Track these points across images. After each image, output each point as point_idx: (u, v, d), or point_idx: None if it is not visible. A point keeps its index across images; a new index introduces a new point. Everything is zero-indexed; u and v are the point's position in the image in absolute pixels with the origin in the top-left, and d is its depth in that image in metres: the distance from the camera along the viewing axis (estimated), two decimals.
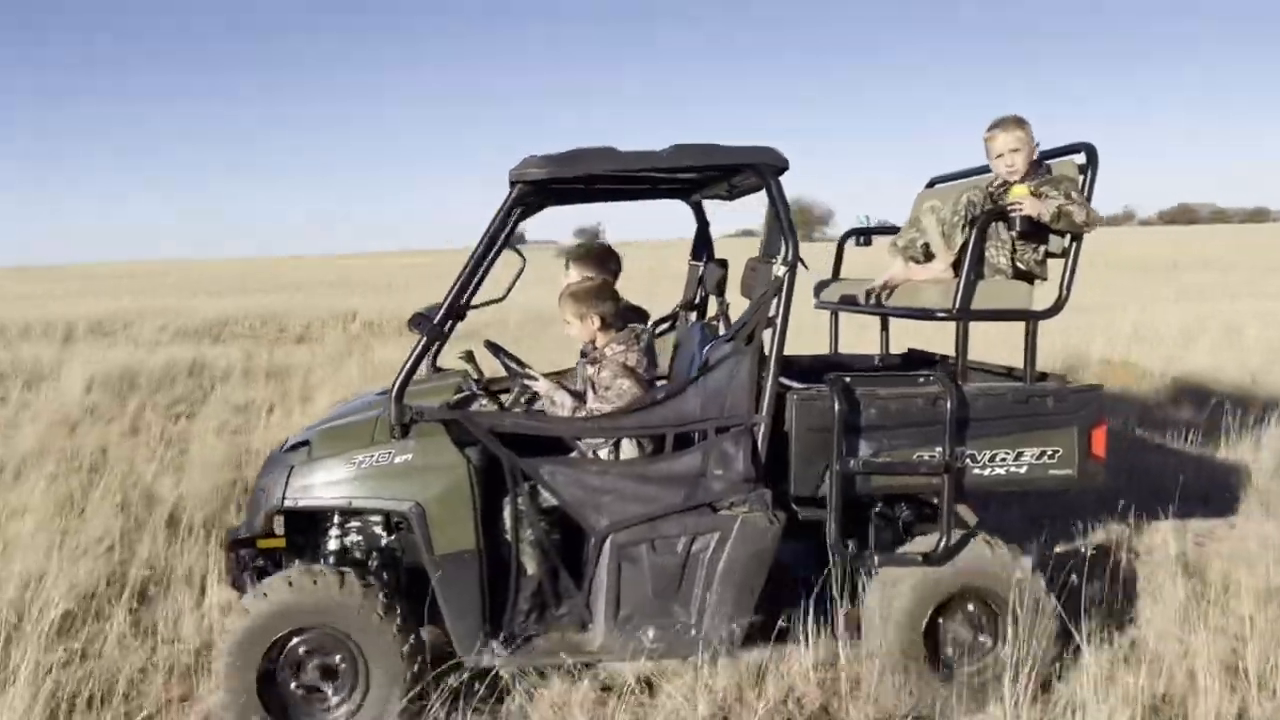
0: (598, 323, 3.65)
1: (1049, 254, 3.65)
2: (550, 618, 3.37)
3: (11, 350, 13.06)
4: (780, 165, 3.30)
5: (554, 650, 3.29)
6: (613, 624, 3.28)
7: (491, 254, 4.12)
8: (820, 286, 4.43)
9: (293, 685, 3.19)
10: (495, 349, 3.94)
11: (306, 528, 3.55)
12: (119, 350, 13.26)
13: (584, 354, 3.86)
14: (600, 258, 4.33)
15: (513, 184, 3.21)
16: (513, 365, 3.84)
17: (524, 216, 4.24)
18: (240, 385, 10.28)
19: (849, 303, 4.16)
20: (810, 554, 3.59)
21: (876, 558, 3.38)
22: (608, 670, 3.59)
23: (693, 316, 4.68)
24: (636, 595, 3.27)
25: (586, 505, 3.25)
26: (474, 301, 3.99)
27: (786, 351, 3.33)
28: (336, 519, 3.48)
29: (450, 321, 3.52)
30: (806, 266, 3.39)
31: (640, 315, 4.21)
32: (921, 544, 3.42)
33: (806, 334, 4.96)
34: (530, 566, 3.34)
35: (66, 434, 7.87)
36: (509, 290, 4.31)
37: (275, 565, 3.47)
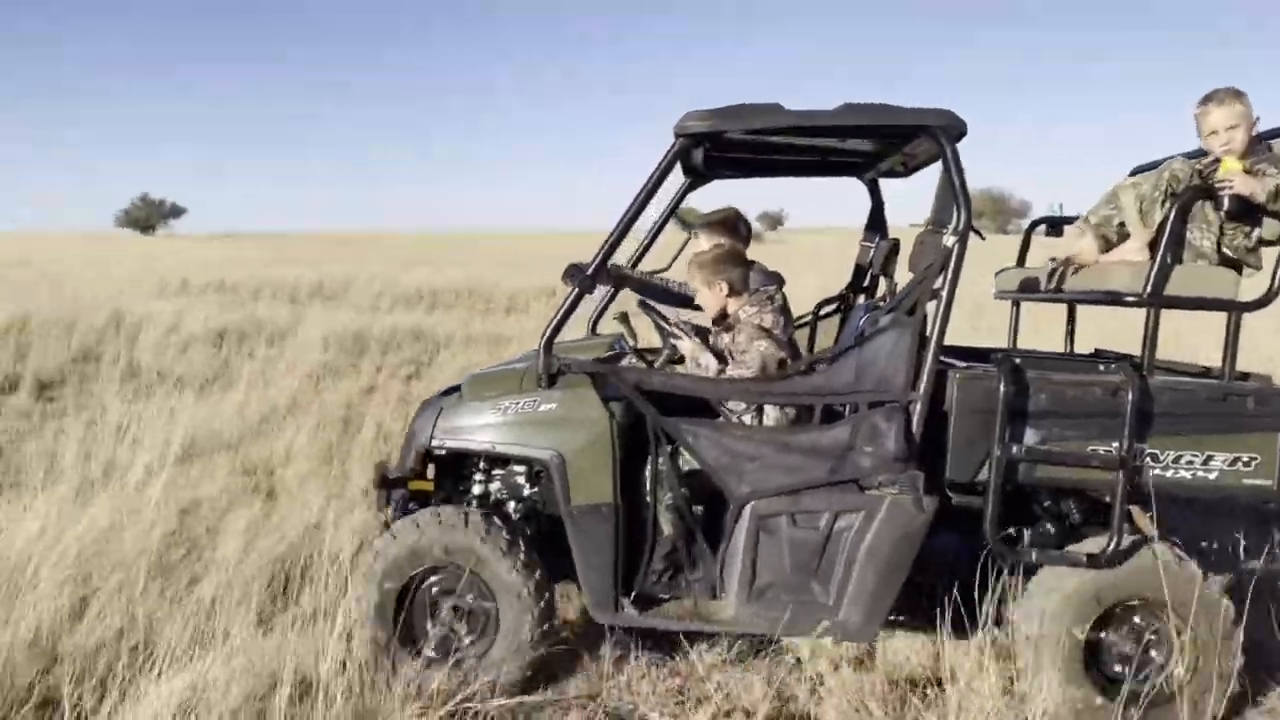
0: (726, 289, 3.65)
1: (1262, 240, 3.29)
2: (683, 582, 3.35)
3: (246, 310, 14.01)
4: (958, 129, 3.11)
5: (684, 616, 3.28)
6: (746, 595, 3.21)
7: (660, 217, 4.26)
8: (1001, 274, 4.21)
9: (427, 621, 3.30)
10: (648, 308, 3.95)
11: (456, 473, 3.64)
12: (342, 313, 14.05)
13: (715, 322, 3.84)
14: (729, 224, 4.25)
15: (675, 137, 3.16)
16: (663, 324, 3.83)
17: (693, 188, 4.33)
18: (462, 350, 10.68)
19: (1029, 290, 3.91)
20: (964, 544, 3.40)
21: (1035, 554, 3.18)
22: (892, 663, 3.48)
23: (862, 298, 4.56)
24: (773, 568, 3.20)
25: (728, 470, 3.18)
26: (641, 269, 4.11)
27: (961, 343, 3.10)
28: (481, 465, 3.57)
29: (603, 275, 3.53)
30: (982, 236, 3.21)
31: (775, 279, 4.12)
32: (1089, 545, 3.19)
33: (996, 334, 4.69)
34: (666, 527, 3.33)
35: (312, 389, 8.36)
36: (674, 260, 4.35)
37: (424, 506, 3.54)
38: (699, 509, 3.37)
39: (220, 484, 5.19)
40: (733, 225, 4.24)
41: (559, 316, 3.21)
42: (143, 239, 60.48)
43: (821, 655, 3.50)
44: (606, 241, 3.23)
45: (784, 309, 3.75)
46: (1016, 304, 4.35)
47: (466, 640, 3.30)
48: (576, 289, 3.23)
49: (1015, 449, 3.05)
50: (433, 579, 3.30)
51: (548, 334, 3.21)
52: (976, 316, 10.51)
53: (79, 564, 3.78)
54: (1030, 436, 3.08)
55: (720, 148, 3.89)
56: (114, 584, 3.70)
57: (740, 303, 3.66)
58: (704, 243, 4.15)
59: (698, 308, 4.32)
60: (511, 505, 3.61)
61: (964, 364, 3.24)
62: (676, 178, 4.05)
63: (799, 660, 3.52)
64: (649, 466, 3.29)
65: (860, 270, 4.61)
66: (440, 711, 3.08)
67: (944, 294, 3.09)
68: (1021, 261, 4.43)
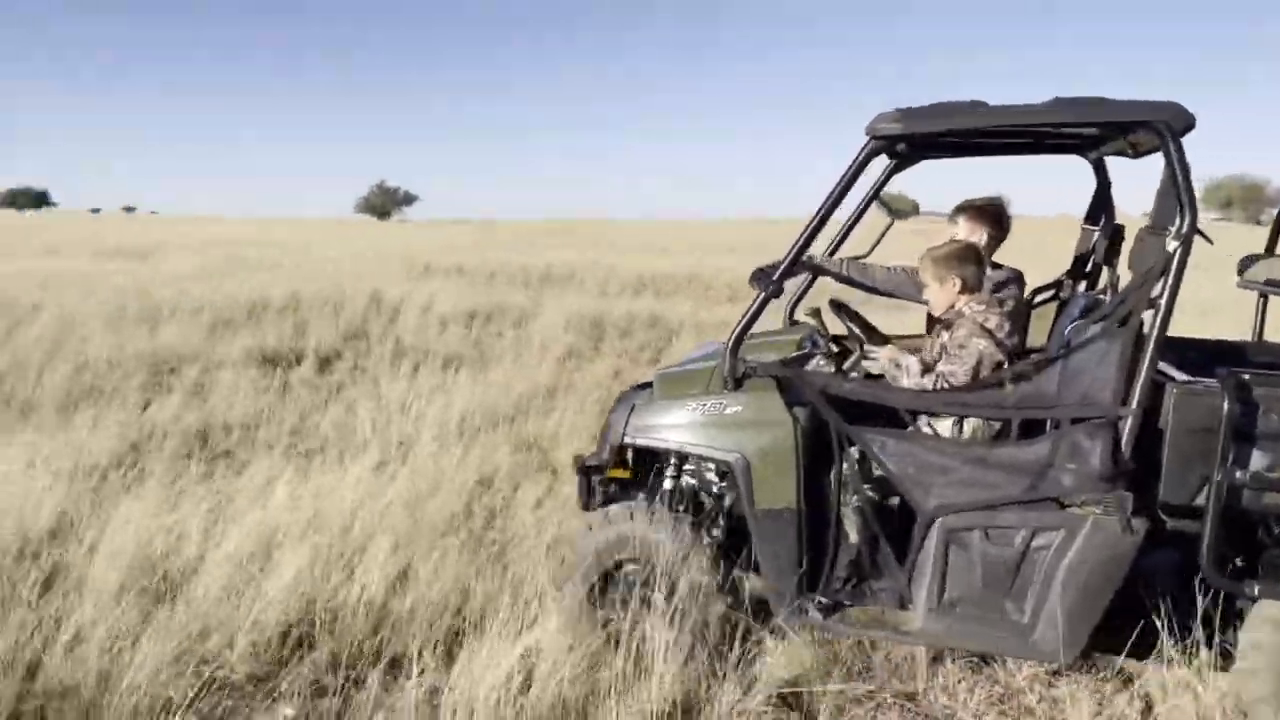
0: (958, 286, 3.45)
1: None
2: (868, 590, 3.28)
3: (488, 293, 14.69)
4: (1184, 123, 2.87)
5: (869, 624, 3.19)
6: (934, 608, 3.10)
7: (861, 202, 4.12)
8: (1246, 263, 3.84)
9: (619, 606, 3.34)
10: (839, 308, 3.85)
11: (651, 463, 3.68)
12: (570, 298, 14.46)
13: (936, 320, 3.64)
14: (993, 214, 3.97)
15: (867, 138, 3.06)
16: (854, 328, 3.74)
17: (898, 170, 4.11)
18: (694, 337, 10.71)
19: (1276, 285, 3.57)
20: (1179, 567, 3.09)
21: (1258, 588, 2.88)
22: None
23: (1081, 287, 4.19)
24: (963, 583, 3.07)
25: (916, 483, 3.07)
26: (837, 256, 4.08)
27: (1191, 334, 2.97)
28: (673, 460, 3.59)
29: (797, 272, 3.48)
30: (1210, 240, 2.97)
31: (1017, 280, 3.89)
32: None
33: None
34: (851, 534, 3.27)
35: (562, 370, 8.62)
36: (874, 246, 4.22)
37: (624, 494, 3.68)
38: (893, 504, 3.29)
39: (502, 459, 5.41)
40: (996, 216, 3.99)
41: (745, 320, 3.19)
42: (378, 224, 64.92)
43: (1149, 673, 3.25)
44: (795, 243, 3.15)
45: (1014, 314, 3.53)
46: (1264, 296, 3.98)
47: (652, 630, 3.30)
48: (763, 294, 3.19)
49: (1239, 474, 2.79)
50: (627, 569, 3.39)
51: (734, 337, 3.21)
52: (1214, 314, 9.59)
53: (395, 529, 4.03)
54: (1258, 460, 2.80)
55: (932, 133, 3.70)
56: (429, 549, 3.93)
57: (968, 299, 3.47)
58: (961, 228, 3.95)
59: (881, 294, 4.17)
60: (703, 499, 3.64)
61: (1185, 376, 3.00)
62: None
63: (1125, 676, 3.27)
64: (834, 472, 3.23)
65: (1081, 257, 4.27)
66: (759, 697, 3.07)
67: (1163, 303, 2.82)
68: (1271, 249, 4.05)
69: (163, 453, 5.55)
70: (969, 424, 3.33)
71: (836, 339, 3.88)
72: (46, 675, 3.02)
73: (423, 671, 3.10)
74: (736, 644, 3.25)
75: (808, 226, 3.14)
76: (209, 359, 8.71)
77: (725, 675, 3.07)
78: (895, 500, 3.26)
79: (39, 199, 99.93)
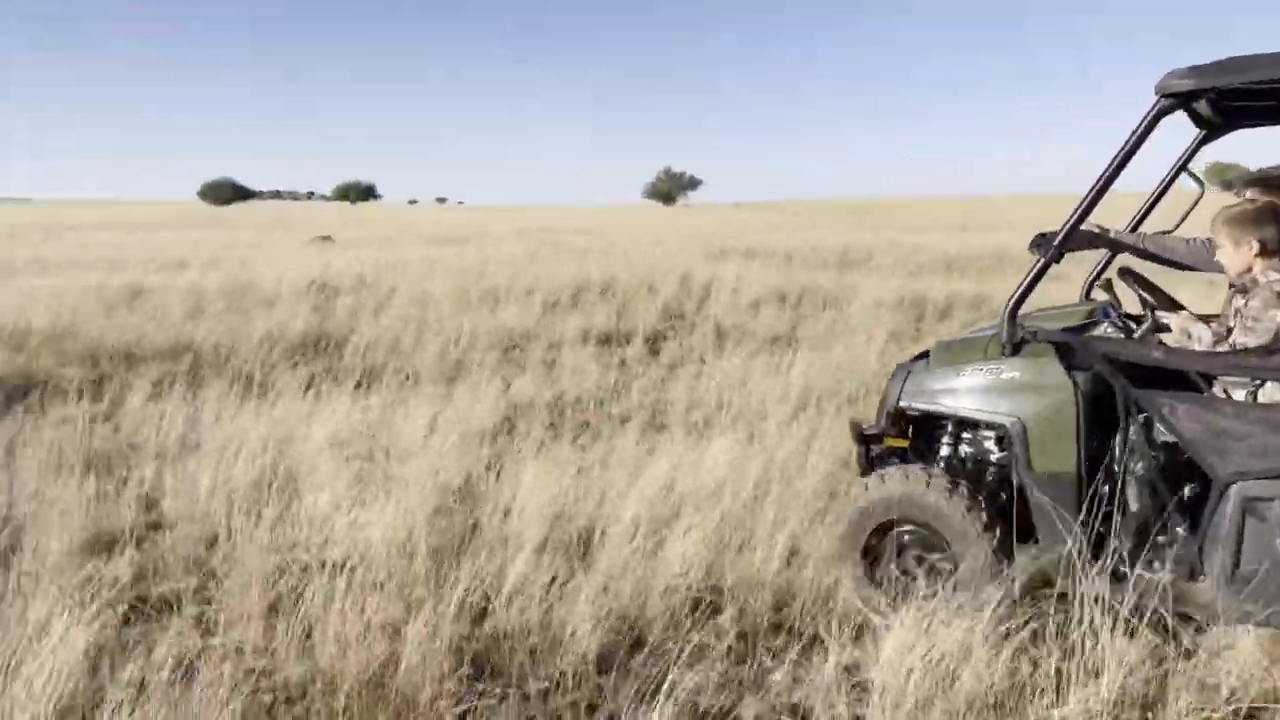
0: (1256, 248, 3.24)
1: None
2: (1156, 559, 3.13)
3: (789, 274, 14.67)
4: None
5: (1157, 595, 3.02)
6: (1228, 581, 2.93)
7: (1169, 174, 3.97)
8: None
9: (892, 565, 3.45)
10: (1126, 274, 3.76)
11: (929, 432, 3.71)
12: (874, 279, 14.14)
13: (1232, 286, 3.45)
14: None
15: (1156, 97, 2.93)
16: (1146, 296, 3.63)
17: (1207, 140, 3.92)
18: None
19: None
20: None
21: None
22: None
23: None
24: (1262, 555, 2.88)
25: (1209, 448, 2.92)
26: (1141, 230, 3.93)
27: None
28: (950, 428, 3.61)
29: (1079, 243, 3.44)
30: None
31: None
32: None
33: None
34: (1134, 502, 3.15)
35: (887, 350, 8.43)
36: (1180, 222, 4.03)
37: (902, 462, 3.69)
38: (1180, 471, 3.12)
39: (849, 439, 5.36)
40: None
41: (1024, 286, 3.17)
42: (665, 209, 66.94)
43: None
44: (1078, 207, 3.07)
45: None
46: None
47: (924, 592, 3.29)
48: (1042, 259, 3.14)
49: None
50: (899, 530, 3.44)
51: (1012, 302, 3.20)
52: None
53: (775, 506, 4.10)
54: None
55: (1237, 94, 3.28)
56: (811, 528, 3.97)
57: (1266, 265, 3.24)
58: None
59: (1181, 268, 3.94)
60: (981, 467, 3.59)
61: None
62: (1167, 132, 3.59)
63: None
64: (1118, 437, 3.13)
65: None
66: (1221, 708, 2.83)
67: None
68: None
69: (531, 425, 5.98)
70: (1268, 390, 3.12)
71: (1130, 316, 3.76)
72: (495, 621, 3.34)
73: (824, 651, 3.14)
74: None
75: (1091, 190, 3.06)
76: (548, 338, 9.32)
77: (1180, 676, 2.86)
78: (1183, 467, 3.12)
79: (366, 192, 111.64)
